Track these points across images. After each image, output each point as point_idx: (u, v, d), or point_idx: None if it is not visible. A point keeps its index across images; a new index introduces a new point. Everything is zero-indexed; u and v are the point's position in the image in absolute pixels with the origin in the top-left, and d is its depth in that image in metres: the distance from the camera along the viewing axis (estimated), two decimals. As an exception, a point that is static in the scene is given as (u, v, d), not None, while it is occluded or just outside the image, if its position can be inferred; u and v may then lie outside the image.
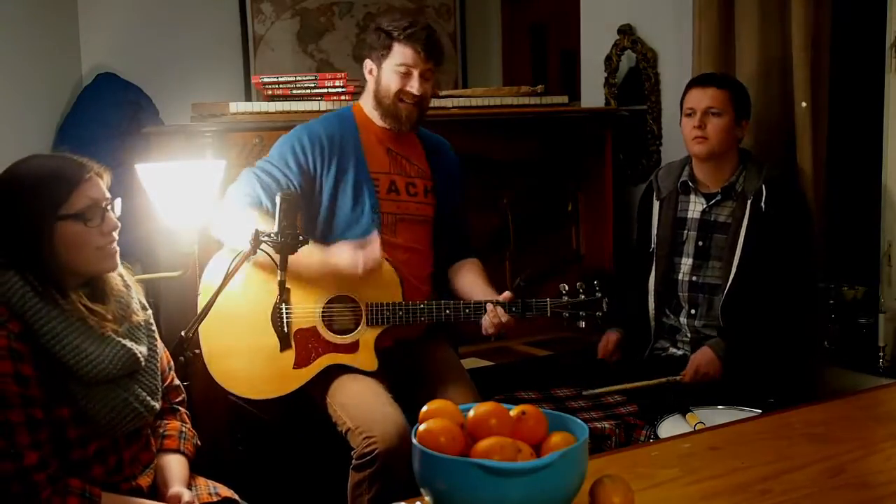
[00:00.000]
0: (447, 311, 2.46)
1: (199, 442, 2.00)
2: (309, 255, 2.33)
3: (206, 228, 2.46)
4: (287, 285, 2.22)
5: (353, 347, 2.46)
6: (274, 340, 2.42)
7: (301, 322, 2.45)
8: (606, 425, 2.64)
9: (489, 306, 2.44)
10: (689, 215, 2.83)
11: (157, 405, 1.86)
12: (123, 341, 1.78)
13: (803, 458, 1.72)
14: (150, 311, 1.93)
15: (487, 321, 2.44)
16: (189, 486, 1.89)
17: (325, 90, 3.07)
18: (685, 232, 2.83)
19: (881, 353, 2.88)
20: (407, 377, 2.53)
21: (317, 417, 2.45)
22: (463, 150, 2.83)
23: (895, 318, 2.89)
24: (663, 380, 2.68)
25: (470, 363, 3.04)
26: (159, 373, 1.90)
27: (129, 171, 2.37)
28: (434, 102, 3.28)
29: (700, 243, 2.80)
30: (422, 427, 1.38)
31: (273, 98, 3.05)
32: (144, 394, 1.81)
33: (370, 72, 2.59)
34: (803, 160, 2.89)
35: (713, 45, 3.11)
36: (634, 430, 2.65)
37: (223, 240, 2.46)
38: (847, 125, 3.08)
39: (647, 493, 1.55)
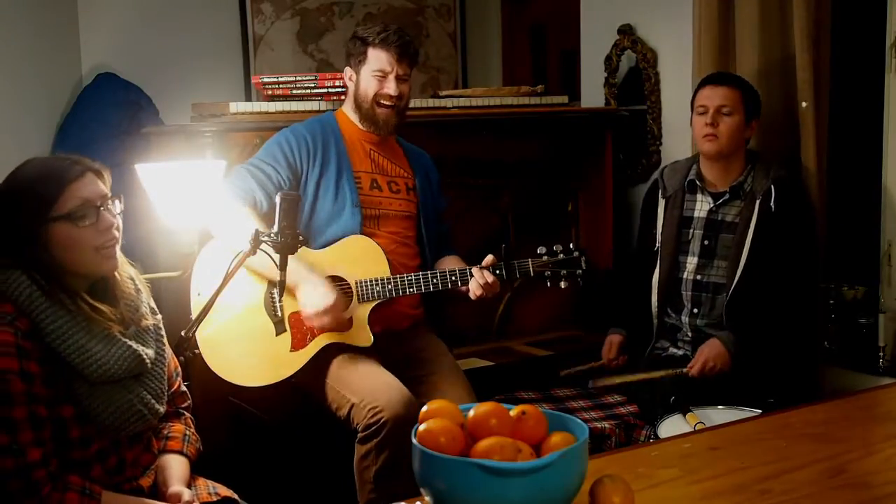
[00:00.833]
0: (434, 280, 2.53)
1: (201, 447, 2.00)
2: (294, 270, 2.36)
3: (206, 227, 2.47)
4: None
5: (346, 325, 2.48)
6: (269, 326, 2.45)
7: (294, 305, 2.47)
8: (606, 425, 2.64)
9: (475, 269, 2.53)
10: (696, 214, 2.83)
11: (162, 409, 1.86)
12: (130, 343, 1.78)
13: (803, 458, 1.71)
14: (160, 316, 1.94)
15: (474, 283, 2.52)
16: (189, 487, 1.89)
17: (325, 90, 3.08)
18: (691, 231, 2.83)
19: (881, 353, 2.89)
20: (397, 367, 2.54)
21: (317, 417, 2.45)
22: (463, 150, 2.84)
23: (895, 318, 2.89)
24: (670, 372, 2.68)
25: (470, 363, 3.05)
26: (166, 377, 1.90)
27: (129, 171, 2.37)
28: (434, 102, 3.30)
29: (706, 242, 2.80)
30: (422, 427, 1.38)
31: (273, 98, 3.05)
32: (149, 397, 1.81)
33: (350, 78, 2.69)
34: (807, 160, 2.90)
35: (713, 45, 3.11)
36: (634, 430, 2.65)
37: (218, 235, 2.48)
38: (847, 125, 3.09)
39: (647, 493, 1.55)
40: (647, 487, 1.58)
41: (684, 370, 2.66)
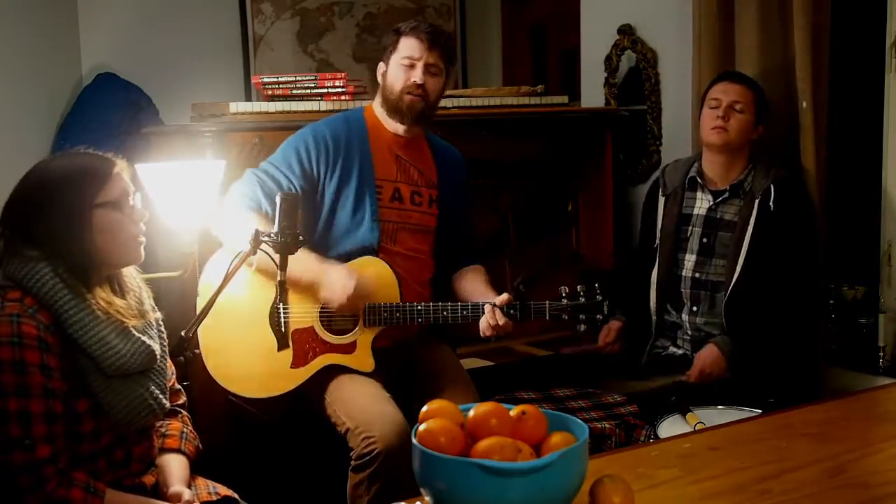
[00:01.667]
0: (444, 313, 2.46)
1: (200, 445, 2.01)
2: (304, 267, 2.36)
3: (207, 228, 2.47)
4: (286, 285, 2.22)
5: (350, 348, 2.47)
6: (272, 340, 2.41)
7: (299, 322, 2.45)
8: (606, 425, 2.64)
9: (487, 308, 2.43)
10: (695, 212, 2.84)
11: (168, 404, 1.89)
12: (143, 337, 1.81)
13: (803, 458, 1.71)
14: (160, 313, 1.96)
15: (485, 323, 2.43)
16: (189, 486, 1.90)
17: (325, 90, 3.08)
18: (690, 228, 2.84)
19: (881, 353, 2.88)
20: (405, 378, 2.53)
21: (316, 417, 2.45)
22: (463, 150, 2.83)
23: (895, 319, 2.89)
24: (668, 381, 2.68)
25: (470, 363, 3.04)
26: (168, 373, 1.93)
27: (129, 171, 2.37)
28: (434, 102, 3.29)
29: (705, 240, 2.80)
30: (422, 427, 1.38)
31: (273, 98, 3.05)
32: (157, 391, 1.84)
33: (381, 73, 2.62)
34: (807, 161, 2.90)
35: (713, 46, 3.11)
36: (634, 430, 2.64)
37: (222, 240, 2.47)
38: (847, 125, 3.09)
39: (647, 493, 1.55)
40: (647, 487, 1.58)
41: (683, 378, 2.67)
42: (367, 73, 4.04)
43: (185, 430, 1.99)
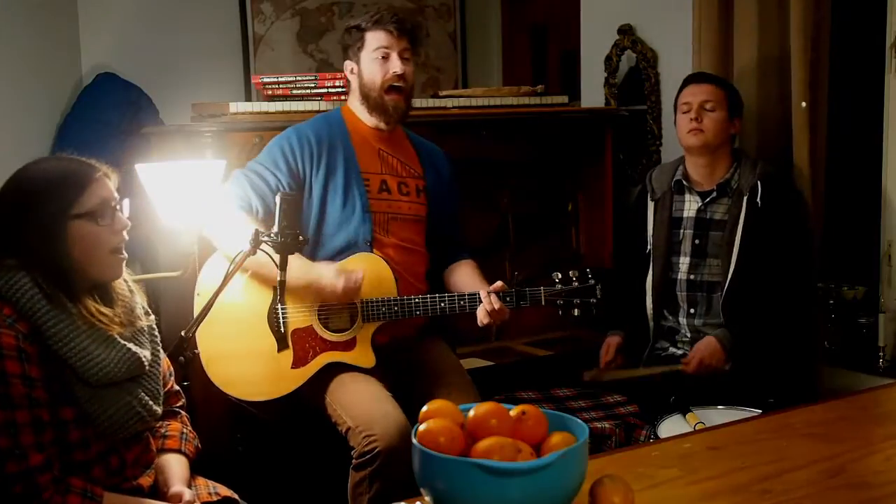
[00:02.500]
0: (442, 305, 2.47)
1: (199, 445, 2.00)
2: (297, 271, 2.34)
3: (202, 232, 2.46)
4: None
5: (350, 345, 2.47)
6: (271, 341, 2.42)
7: (298, 322, 2.45)
8: (606, 425, 2.64)
9: (483, 294, 2.44)
10: (685, 214, 2.84)
11: (159, 410, 1.87)
12: (129, 345, 1.78)
13: (803, 458, 1.72)
14: (153, 317, 1.94)
15: (482, 311, 2.44)
16: (189, 486, 1.89)
17: (325, 90, 3.07)
18: (681, 231, 2.83)
19: (881, 353, 2.89)
20: (405, 377, 2.53)
21: (316, 417, 2.45)
22: (463, 150, 2.83)
23: (895, 319, 2.89)
24: (666, 368, 2.68)
25: (470, 363, 3.04)
26: (161, 378, 1.91)
27: (129, 171, 2.37)
28: (434, 102, 3.29)
29: (696, 242, 2.80)
30: (422, 427, 1.38)
31: (273, 98, 3.05)
32: (147, 398, 1.82)
33: (351, 71, 2.63)
34: (800, 158, 2.90)
35: (712, 45, 3.11)
36: (634, 430, 2.65)
37: (214, 242, 2.47)
38: (847, 125, 3.09)
39: (647, 493, 1.55)
40: (647, 487, 1.58)
41: (680, 367, 2.66)
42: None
43: (184, 430, 1.98)
